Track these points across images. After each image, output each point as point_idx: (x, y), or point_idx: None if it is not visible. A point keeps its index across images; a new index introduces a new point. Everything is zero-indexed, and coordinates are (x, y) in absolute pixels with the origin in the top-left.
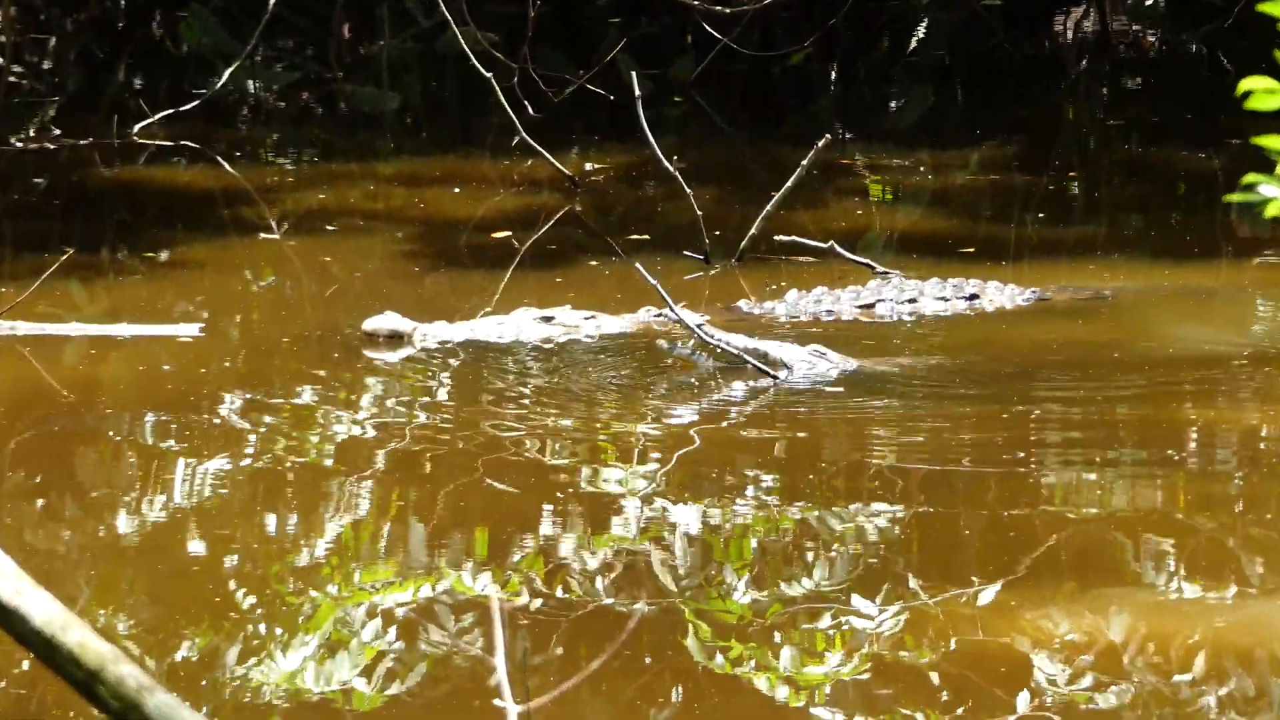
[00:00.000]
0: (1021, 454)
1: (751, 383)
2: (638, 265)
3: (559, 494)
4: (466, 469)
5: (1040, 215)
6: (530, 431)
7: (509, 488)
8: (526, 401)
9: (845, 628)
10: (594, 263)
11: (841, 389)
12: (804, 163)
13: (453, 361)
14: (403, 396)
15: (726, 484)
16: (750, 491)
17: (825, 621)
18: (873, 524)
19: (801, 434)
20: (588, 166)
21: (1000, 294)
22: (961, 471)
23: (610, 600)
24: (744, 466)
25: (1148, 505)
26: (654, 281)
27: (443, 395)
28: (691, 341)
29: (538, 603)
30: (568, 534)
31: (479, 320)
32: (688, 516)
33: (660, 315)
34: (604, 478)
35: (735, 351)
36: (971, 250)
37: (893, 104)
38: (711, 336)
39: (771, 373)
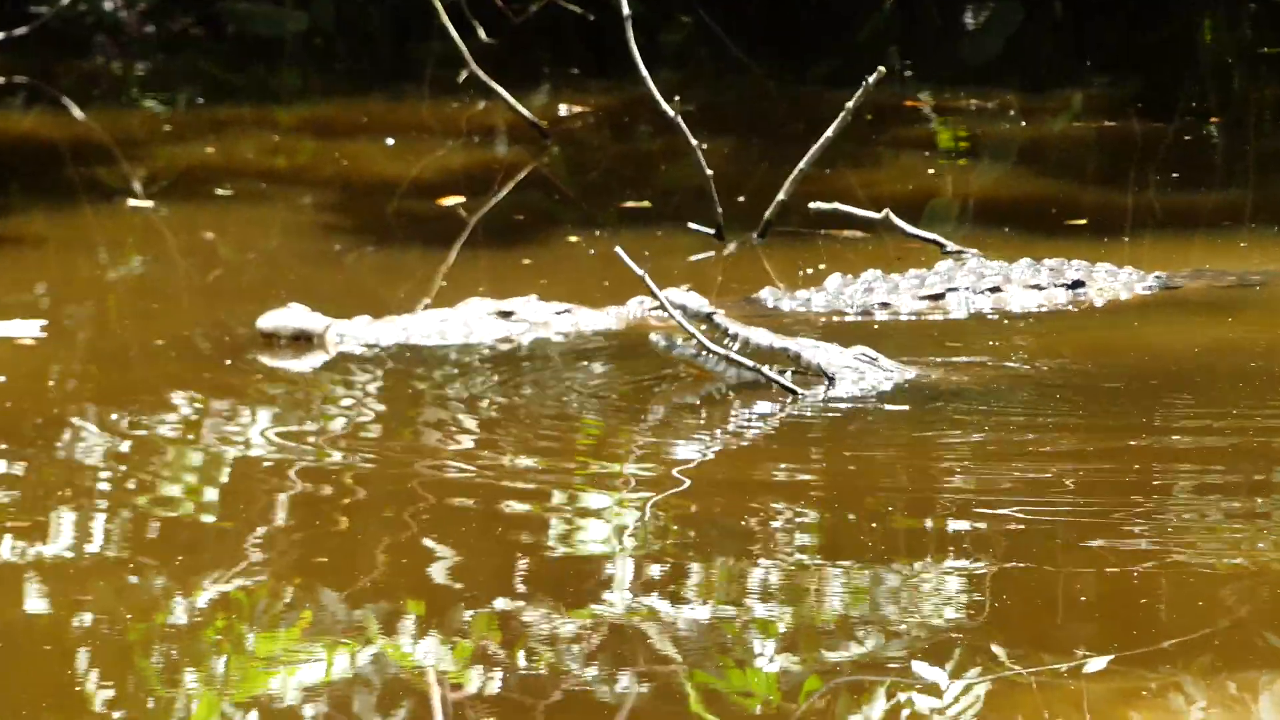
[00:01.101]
0: (1143, 498)
1: (781, 398)
2: (617, 249)
3: (520, 548)
4: (397, 515)
5: (1171, 175)
6: (482, 466)
7: (452, 541)
8: (476, 426)
9: (905, 715)
10: (572, 239)
11: (902, 407)
12: (849, 105)
13: (379, 371)
14: (311, 419)
15: (744, 536)
16: (777, 544)
17: (878, 704)
18: (943, 585)
19: (847, 467)
20: (561, 110)
21: (1113, 281)
22: (1063, 519)
23: (590, 681)
24: (768, 513)
25: None
26: (635, 266)
27: (365, 418)
28: (686, 319)
29: (494, 683)
30: (532, 598)
31: (415, 316)
32: (691, 580)
33: (657, 308)
34: (580, 529)
35: (750, 363)
36: (1082, 222)
37: (969, 25)
38: (724, 335)
39: (795, 389)
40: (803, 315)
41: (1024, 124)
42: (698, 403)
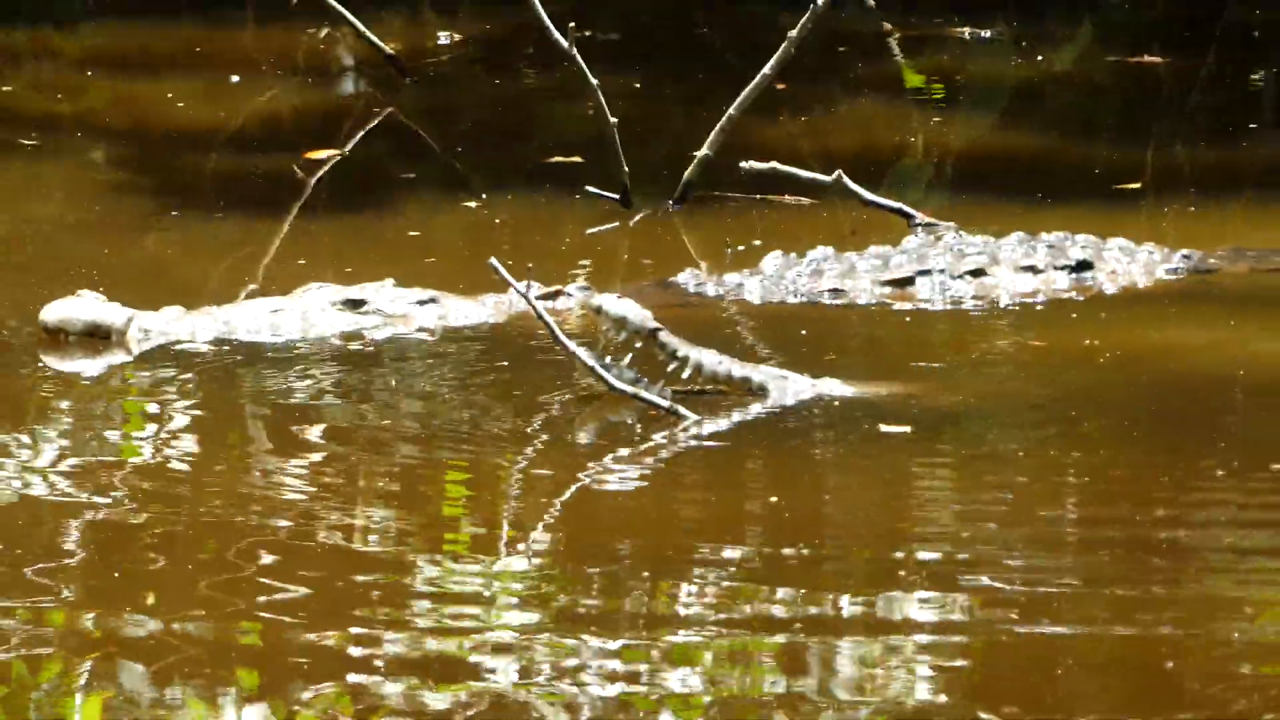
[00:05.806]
0: (1166, 573)
1: (720, 418)
2: (491, 260)
3: (373, 612)
4: (215, 561)
5: (1205, 122)
6: (319, 505)
7: (289, 594)
8: (314, 450)
9: None
10: (467, 204)
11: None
12: (792, 34)
13: (192, 375)
14: (104, 435)
15: (655, 605)
16: (694, 628)
17: None
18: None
19: (777, 513)
20: (441, 38)
21: (1129, 262)
22: (1062, 597)
23: None
24: (686, 580)
25: None
26: (509, 276)
27: (172, 435)
28: (623, 335)
29: None
30: (391, 674)
31: (240, 306)
32: (586, 659)
33: (548, 295)
34: (449, 586)
35: (631, 387)
36: (1095, 186)
37: None
38: (671, 356)
39: (687, 414)
40: (731, 304)
41: (1019, 61)
42: (595, 427)
